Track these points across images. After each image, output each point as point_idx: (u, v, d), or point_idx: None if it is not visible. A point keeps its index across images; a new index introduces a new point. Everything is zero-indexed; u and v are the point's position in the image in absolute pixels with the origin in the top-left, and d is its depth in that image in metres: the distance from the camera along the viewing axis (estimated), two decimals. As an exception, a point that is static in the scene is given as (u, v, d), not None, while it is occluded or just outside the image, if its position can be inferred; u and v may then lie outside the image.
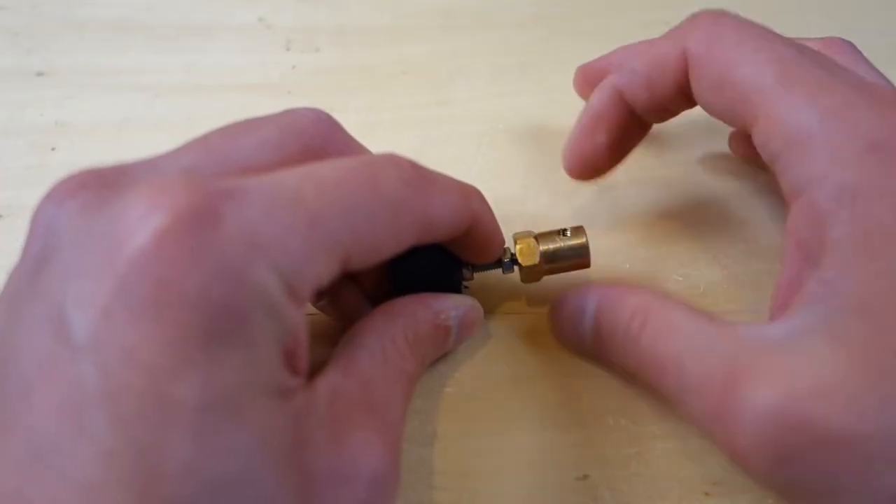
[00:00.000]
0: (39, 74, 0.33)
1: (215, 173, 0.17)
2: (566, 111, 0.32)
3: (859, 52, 0.23)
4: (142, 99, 0.32)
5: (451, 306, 0.22)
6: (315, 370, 0.18)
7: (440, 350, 0.23)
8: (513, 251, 0.23)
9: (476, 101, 0.32)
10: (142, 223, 0.14)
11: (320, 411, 0.16)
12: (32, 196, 0.29)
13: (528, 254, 0.23)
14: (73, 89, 0.33)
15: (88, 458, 0.13)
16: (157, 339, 0.13)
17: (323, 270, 0.16)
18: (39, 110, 0.32)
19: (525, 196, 0.29)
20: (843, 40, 0.23)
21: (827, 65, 0.19)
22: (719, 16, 0.21)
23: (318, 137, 0.19)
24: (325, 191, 0.16)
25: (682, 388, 0.18)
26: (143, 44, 0.35)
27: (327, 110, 0.31)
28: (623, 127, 0.24)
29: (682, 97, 0.22)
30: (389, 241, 0.18)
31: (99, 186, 0.16)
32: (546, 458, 0.22)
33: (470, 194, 0.20)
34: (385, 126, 0.31)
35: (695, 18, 0.21)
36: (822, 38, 0.23)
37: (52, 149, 0.30)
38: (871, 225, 0.16)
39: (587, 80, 0.27)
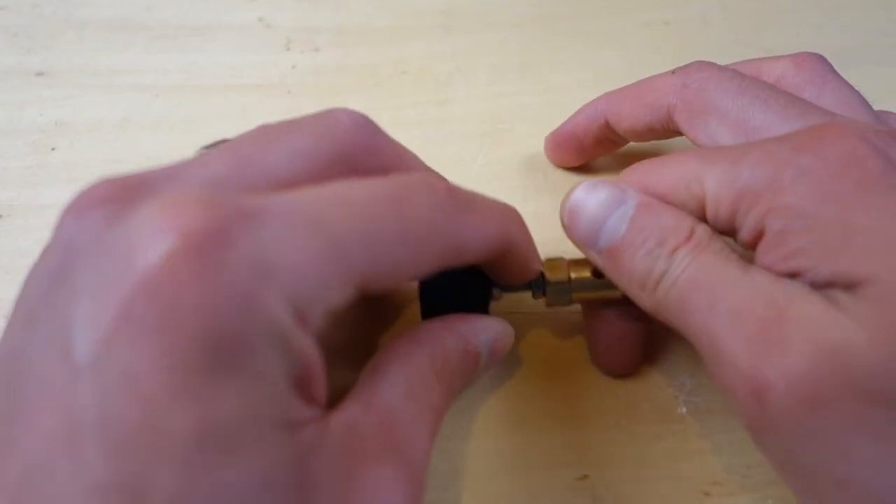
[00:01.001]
0: (39, 74, 0.33)
1: (241, 186, 0.16)
2: (566, 111, 0.32)
3: (829, 67, 0.23)
4: (142, 99, 0.32)
5: (481, 330, 0.20)
6: (336, 399, 0.17)
7: (469, 378, 0.20)
8: (545, 275, 0.22)
9: (476, 101, 0.32)
10: (153, 243, 0.13)
11: (333, 446, 0.15)
12: (32, 196, 0.29)
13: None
14: (73, 89, 0.33)
15: (78, 489, 0.13)
16: (156, 366, 0.13)
17: (338, 296, 0.15)
18: (39, 110, 0.32)
19: (525, 195, 0.29)
20: (813, 55, 0.23)
21: (747, 133, 0.20)
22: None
23: (356, 144, 0.18)
24: (349, 213, 0.15)
25: (716, 313, 0.17)
26: (143, 44, 0.35)
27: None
28: (601, 141, 0.27)
29: (666, 131, 0.24)
30: (411, 267, 0.17)
31: (120, 199, 0.15)
32: (546, 458, 0.22)
33: (508, 219, 0.19)
34: (385, 126, 0.31)
35: (679, 74, 0.23)
36: (792, 55, 0.24)
37: (52, 149, 0.30)
38: (824, 226, 0.17)
39: (558, 144, 0.29)
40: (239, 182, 0.16)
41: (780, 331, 0.16)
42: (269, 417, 0.14)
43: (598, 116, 0.26)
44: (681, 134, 0.24)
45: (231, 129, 0.31)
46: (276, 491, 0.14)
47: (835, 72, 0.23)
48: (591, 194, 0.20)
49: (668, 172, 0.20)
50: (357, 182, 0.16)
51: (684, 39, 0.35)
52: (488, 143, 0.30)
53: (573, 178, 0.29)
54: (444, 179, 0.18)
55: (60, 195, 0.29)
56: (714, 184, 0.19)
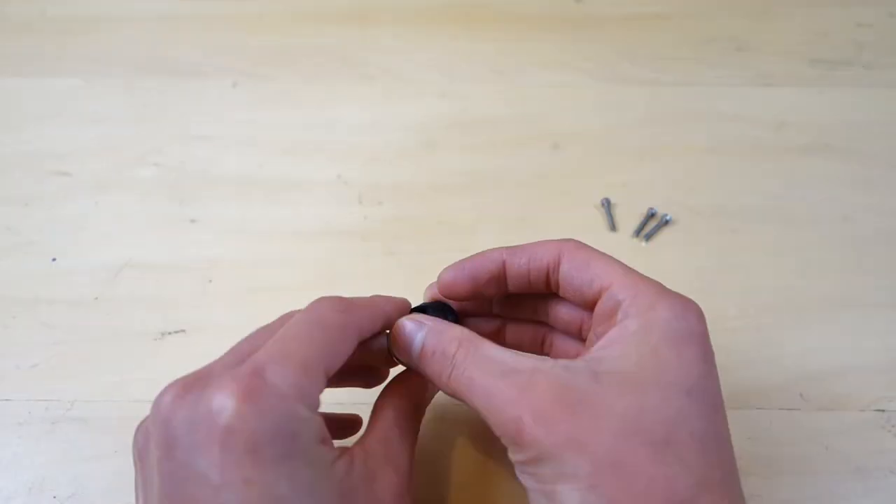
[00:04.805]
0: (193, 221, 0.49)
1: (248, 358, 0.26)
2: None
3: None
4: (265, 241, 0.48)
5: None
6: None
7: (426, 401, 0.33)
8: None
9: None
10: (221, 408, 0.24)
11: (358, 465, 0.27)
12: (203, 317, 0.44)
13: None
14: (217, 234, 0.48)
15: None
16: (253, 473, 0.23)
17: (321, 386, 0.26)
18: (197, 251, 0.47)
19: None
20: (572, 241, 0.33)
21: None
22: (580, 243, 0.32)
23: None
24: (303, 340, 0.27)
25: (485, 390, 0.27)
26: (259, 196, 0.50)
27: (389, 254, 0.47)
28: (488, 282, 0.34)
29: (545, 281, 0.32)
30: (343, 351, 0.28)
31: (192, 389, 0.25)
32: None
33: (383, 304, 0.31)
34: (429, 267, 0.45)
35: (565, 240, 0.32)
36: (559, 242, 0.33)
37: (210, 281, 0.46)
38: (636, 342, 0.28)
39: (456, 277, 0.35)
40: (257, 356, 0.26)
41: (528, 381, 0.26)
42: (317, 467, 0.25)
43: (497, 258, 0.34)
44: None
45: (324, 270, 0.46)
46: (328, 499, 0.25)
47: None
48: (404, 323, 0.31)
49: (601, 264, 0.31)
50: (292, 324, 0.27)
51: (631, 198, 0.50)
52: (498, 281, 0.45)
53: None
54: (337, 296, 0.30)
55: (222, 317, 0.44)
56: (629, 284, 0.29)
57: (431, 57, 0.59)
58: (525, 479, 0.27)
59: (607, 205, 0.49)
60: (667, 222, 0.48)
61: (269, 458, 0.23)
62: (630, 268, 0.31)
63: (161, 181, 0.51)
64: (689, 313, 0.29)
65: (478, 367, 0.28)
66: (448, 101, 0.56)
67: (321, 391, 0.26)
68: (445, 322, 0.31)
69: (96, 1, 0.63)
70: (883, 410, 0.40)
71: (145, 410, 0.32)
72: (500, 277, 0.33)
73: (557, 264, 0.32)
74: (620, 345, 0.28)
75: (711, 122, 0.55)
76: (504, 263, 0.33)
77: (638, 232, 0.48)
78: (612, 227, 0.48)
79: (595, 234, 0.48)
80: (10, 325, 0.43)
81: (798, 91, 0.57)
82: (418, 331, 0.31)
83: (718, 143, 0.53)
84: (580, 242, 0.32)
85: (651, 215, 0.49)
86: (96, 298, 0.44)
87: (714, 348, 0.29)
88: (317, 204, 0.50)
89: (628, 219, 0.49)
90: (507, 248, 0.33)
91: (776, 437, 0.39)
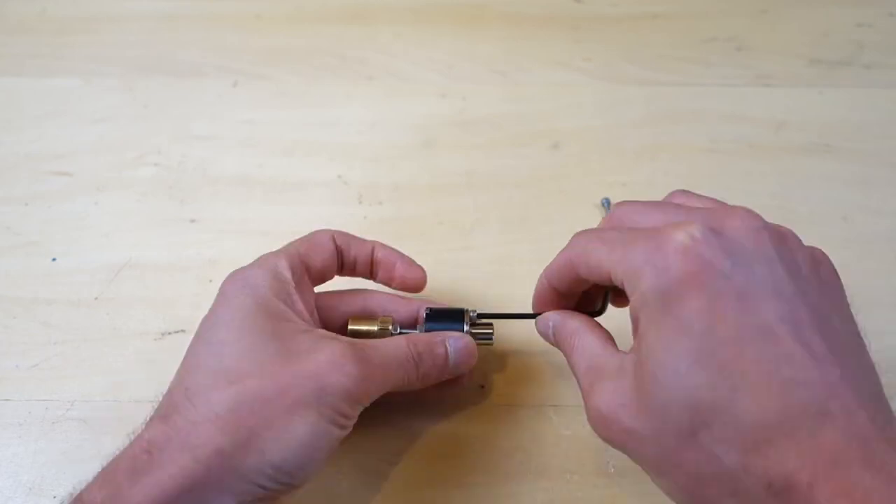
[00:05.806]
0: (192, 221, 0.49)
1: None
2: (552, 254, 0.47)
3: (690, 192, 0.35)
4: (264, 242, 0.47)
5: (451, 336, 0.36)
6: None
7: (438, 363, 0.35)
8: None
9: (490, 248, 0.47)
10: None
11: (311, 331, 0.33)
12: (201, 317, 0.44)
13: None
14: (216, 234, 0.48)
15: None
16: (217, 309, 0.36)
17: (293, 265, 0.38)
18: (197, 250, 0.47)
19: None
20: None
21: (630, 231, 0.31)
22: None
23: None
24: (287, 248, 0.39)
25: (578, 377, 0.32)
26: (259, 196, 0.50)
27: (390, 254, 0.46)
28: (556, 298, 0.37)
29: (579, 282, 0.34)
30: (314, 250, 0.40)
31: None
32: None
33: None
34: (429, 266, 0.46)
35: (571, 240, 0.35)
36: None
37: (210, 280, 0.46)
38: (657, 314, 0.27)
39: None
40: None
41: (589, 398, 0.30)
42: (262, 300, 0.35)
43: (545, 284, 0.36)
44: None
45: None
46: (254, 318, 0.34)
47: (695, 193, 0.35)
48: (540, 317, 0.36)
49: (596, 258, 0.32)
50: None
51: (635, 197, 0.50)
52: (497, 281, 0.45)
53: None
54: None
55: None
56: (617, 267, 0.30)
57: (431, 57, 0.59)
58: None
59: (607, 205, 0.49)
60: (667, 222, 0.48)
61: (229, 297, 0.35)
62: (611, 242, 0.31)
63: (161, 181, 0.51)
64: (663, 257, 0.27)
65: (580, 358, 0.32)
66: (448, 101, 0.56)
67: (295, 268, 0.38)
68: (566, 313, 0.36)
69: (96, 1, 0.63)
70: (883, 410, 0.40)
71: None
72: (566, 293, 0.36)
73: (576, 269, 0.34)
74: (650, 329, 0.28)
75: (711, 122, 0.55)
76: (550, 285, 0.36)
77: (638, 232, 0.48)
78: (612, 226, 0.48)
79: (595, 234, 0.48)
80: (10, 325, 0.43)
81: (798, 91, 0.57)
82: (549, 320, 0.36)
83: (718, 143, 0.53)
84: (576, 241, 0.35)
85: (651, 215, 0.48)
86: (96, 298, 0.44)
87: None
88: (317, 204, 0.50)
89: (628, 219, 0.49)
90: (545, 269, 0.37)
91: (776, 436, 0.39)
